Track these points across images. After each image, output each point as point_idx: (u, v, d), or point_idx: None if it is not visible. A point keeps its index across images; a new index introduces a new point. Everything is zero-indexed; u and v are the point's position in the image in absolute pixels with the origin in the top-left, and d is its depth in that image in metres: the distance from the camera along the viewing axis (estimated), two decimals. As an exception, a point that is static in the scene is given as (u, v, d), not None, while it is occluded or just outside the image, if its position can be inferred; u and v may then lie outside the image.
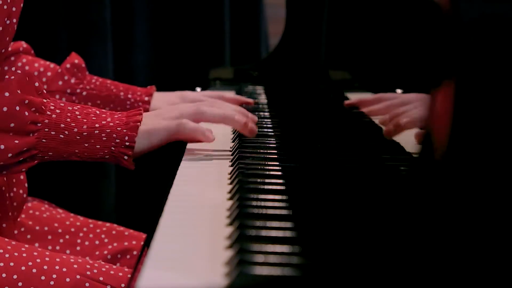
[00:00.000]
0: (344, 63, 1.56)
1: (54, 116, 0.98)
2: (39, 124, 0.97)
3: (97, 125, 0.99)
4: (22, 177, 1.13)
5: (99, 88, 1.35)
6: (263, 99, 1.56)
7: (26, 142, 0.96)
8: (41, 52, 1.47)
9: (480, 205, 0.55)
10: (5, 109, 0.95)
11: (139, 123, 1.01)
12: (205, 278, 0.62)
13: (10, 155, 0.95)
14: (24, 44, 1.34)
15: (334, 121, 1.36)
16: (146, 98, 1.35)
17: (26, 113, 0.96)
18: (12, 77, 0.97)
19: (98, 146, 0.99)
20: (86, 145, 0.99)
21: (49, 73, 1.32)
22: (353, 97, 1.44)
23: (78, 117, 0.99)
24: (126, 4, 2.12)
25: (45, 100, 0.98)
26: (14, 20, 1.05)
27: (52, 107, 0.99)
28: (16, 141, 0.95)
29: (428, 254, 0.56)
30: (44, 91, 1.00)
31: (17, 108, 0.96)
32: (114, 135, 0.99)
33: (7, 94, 0.95)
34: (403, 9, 1.33)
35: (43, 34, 1.97)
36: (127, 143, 1.00)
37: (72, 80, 1.33)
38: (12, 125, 0.95)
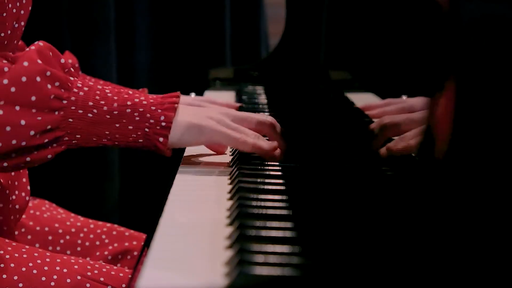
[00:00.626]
0: (344, 63, 1.56)
1: (81, 93, 0.90)
2: (65, 101, 0.88)
3: (129, 103, 0.91)
4: (24, 179, 1.12)
5: None
6: (263, 99, 1.56)
7: (50, 120, 0.87)
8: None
9: (480, 205, 0.55)
10: (23, 79, 0.86)
11: (176, 105, 0.92)
12: (205, 278, 0.62)
13: (32, 132, 0.86)
14: (20, 42, 1.33)
15: (334, 121, 1.36)
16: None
17: (49, 86, 0.87)
18: (32, 47, 0.89)
19: (131, 127, 0.90)
20: (117, 125, 0.90)
21: None
22: (353, 97, 1.44)
23: (109, 94, 0.91)
24: (129, 4, 2.13)
25: (72, 78, 0.91)
26: (22, 23, 1.04)
27: (80, 85, 0.90)
28: (39, 118, 0.86)
29: (428, 254, 0.56)
30: (72, 69, 0.92)
31: (38, 79, 0.87)
32: (148, 115, 0.91)
33: (26, 63, 0.87)
34: (403, 9, 1.33)
35: (47, 33, 1.97)
36: (163, 123, 0.91)
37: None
38: (33, 98, 0.86)
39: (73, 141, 0.90)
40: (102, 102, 0.90)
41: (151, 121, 0.91)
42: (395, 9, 1.37)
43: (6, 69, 0.86)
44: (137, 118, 0.91)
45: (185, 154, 1.07)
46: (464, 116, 0.55)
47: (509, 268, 0.54)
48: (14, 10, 1.01)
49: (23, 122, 0.86)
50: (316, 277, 0.60)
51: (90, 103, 0.90)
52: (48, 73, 0.88)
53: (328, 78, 1.51)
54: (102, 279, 1.02)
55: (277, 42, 1.86)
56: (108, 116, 0.90)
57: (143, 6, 2.14)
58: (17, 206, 1.11)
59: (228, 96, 1.61)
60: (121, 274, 1.05)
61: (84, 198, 2.07)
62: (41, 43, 0.91)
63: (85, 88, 0.91)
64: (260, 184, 0.87)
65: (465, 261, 0.55)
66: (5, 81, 0.85)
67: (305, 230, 0.71)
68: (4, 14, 1.00)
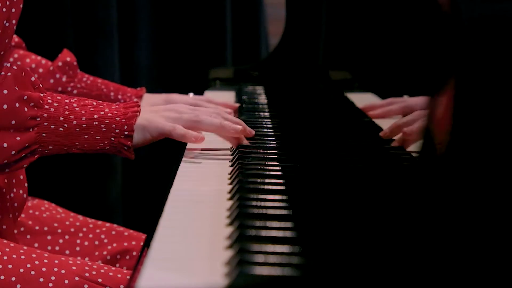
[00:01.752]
0: (344, 63, 1.56)
1: (52, 109, 0.98)
2: (38, 119, 0.97)
3: (95, 116, 0.99)
4: (22, 177, 1.13)
5: (89, 87, 1.35)
6: (263, 99, 1.56)
7: (27, 138, 0.96)
8: (48, 51, 1.47)
9: (480, 204, 0.55)
10: (5, 106, 0.94)
11: (138, 113, 1.02)
12: (205, 278, 0.62)
13: (13, 152, 0.95)
14: (16, 38, 1.34)
15: (334, 121, 1.36)
16: (136, 100, 1.35)
17: (26, 109, 0.96)
18: (9, 73, 0.96)
19: (98, 137, 0.99)
20: (86, 136, 0.99)
21: (40, 70, 1.32)
22: (353, 97, 1.44)
23: (76, 109, 0.99)
24: (131, 4, 2.13)
25: (42, 94, 0.98)
26: (14, 22, 1.04)
27: (50, 101, 0.98)
28: (18, 138, 0.95)
29: (428, 254, 0.56)
30: (40, 85, 0.99)
31: (17, 104, 0.95)
32: (113, 125, 1.00)
33: (5, 91, 0.95)
34: (403, 9, 1.33)
35: (51, 33, 1.98)
36: (126, 133, 1.00)
37: (64, 78, 1.33)
38: (13, 122, 0.95)
39: (46, 151, 0.99)
40: (72, 117, 0.99)
41: (117, 130, 1.00)
42: (395, 9, 1.37)
43: None
44: (104, 129, 1.00)
45: (185, 154, 1.07)
46: (464, 116, 0.55)
47: (509, 268, 0.54)
48: (4, 9, 1.01)
49: (5, 144, 0.95)
50: (316, 277, 0.60)
51: (61, 118, 0.98)
52: (25, 97, 0.96)
53: (328, 78, 1.51)
54: (100, 280, 1.02)
55: (277, 42, 1.86)
56: (77, 129, 0.99)
57: (145, 6, 2.15)
58: (15, 204, 1.11)
59: (228, 96, 1.61)
60: (119, 275, 1.05)
61: (87, 197, 2.07)
62: (14, 66, 0.98)
63: (55, 104, 0.99)
64: (260, 184, 0.87)
65: (465, 260, 0.55)
66: None
67: (305, 230, 0.71)
68: None
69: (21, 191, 1.12)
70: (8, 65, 1.27)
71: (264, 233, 0.70)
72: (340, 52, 1.54)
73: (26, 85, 0.97)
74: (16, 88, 0.96)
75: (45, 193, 1.37)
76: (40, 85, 0.99)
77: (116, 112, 1.01)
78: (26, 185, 1.13)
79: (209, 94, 1.61)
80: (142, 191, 2.18)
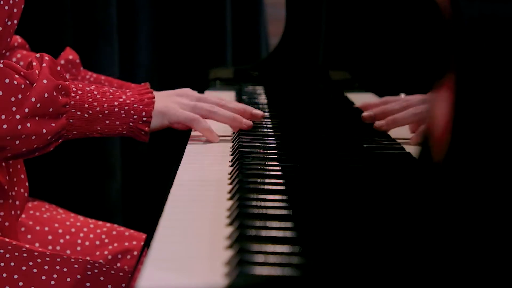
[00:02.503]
0: (344, 63, 1.56)
1: (78, 97, 1.03)
2: (68, 106, 1.02)
3: (116, 103, 1.06)
4: (22, 176, 1.13)
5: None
6: (263, 99, 1.56)
7: (60, 124, 1.01)
8: (48, 51, 1.47)
9: (479, 204, 0.55)
10: (46, 95, 0.99)
11: (153, 99, 1.08)
12: (205, 278, 0.62)
13: (49, 137, 1.00)
14: (19, 39, 1.34)
15: (334, 121, 1.36)
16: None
17: (60, 97, 1.01)
18: (44, 64, 1.00)
19: (118, 123, 1.05)
20: (107, 122, 1.05)
21: None
22: (353, 97, 1.44)
23: (97, 96, 1.05)
24: (131, 4, 2.13)
25: (67, 83, 1.03)
26: (15, 21, 1.05)
27: (75, 89, 1.04)
28: (53, 124, 1.00)
29: (428, 254, 0.56)
30: (64, 74, 1.04)
31: (54, 93, 1.00)
32: (132, 112, 1.06)
33: (45, 81, 0.99)
34: (403, 9, 1.33)
35: (51, 33, 1.98)
36: (144, 119, 1.06)
37: (67, 76, 1.33)
38: (50, 109, 0.99)
39: (69, 136, 1.05)
40: (95, 104, 1.05)
41: (135, 116, 1.07)
42: (395, 9, 1.37)
43: (29, 90, 0.98)
44: (123, 115, 1.06)
45: (186, 154, 1.07)
46: (464, 116, 0.55)
47: (509, 268, 0.54)
48: (6, 7, 1.02)
49: (44, 130, 0.99)
50: (316, 277, 0.60)
51: (86, 105, 1.04)
52: (60, 86, 1.01)
53: (328, 78, 1.51)
54: (102, 278, 1.03)
55: (277, 42, 1.86)
56: (100, 115, 1.05)
57: (145, 6, 2.15)
58: (17, 202, 1.11)
59: (228, 96, 1.61)
60: (121, 274, 1.05)
61: (86, 197, 2.07)
62: (46, 57, 1.02)
63: (79, 92, 1.04)
64: (260, 184, 0.87)
65: (464, 260, 0.55)
66: (33, 99, 0.98)
67: (305, 230, 0.71)
68: None
69: (22, 190, 1.12)
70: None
71: (264, 233, 0.70)
72: (340, 52, 1.54)
73: (57, 74, 1.02)
74: (53, 78, 1.00)
75: (45, 194, 1.37)
76: (64, 74, 1.04)
77: (133, 99, 1.07)
78: (26, 184, 1.13)
79: (209, 94, 1.61)
80: (142, 191, 2.18)
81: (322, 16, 1.52)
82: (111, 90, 1.07)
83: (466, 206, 0.55)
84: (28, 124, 0.98)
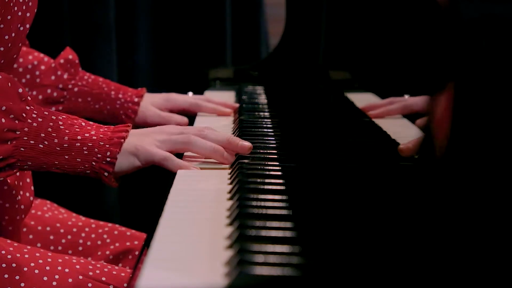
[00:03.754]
0: (344, 63, 1.56)
1: (34, 124, 0.95)
2: (18, 132, 0.94)
3: (79, 137, 0.96)
4: (28, 180, 1.13)
5: (90, 85, 1.35)
6: (263, 99, 1.56)
7: (4, 150, 0.94)
8: (46, 51, 1.47)
9: (479, 205, 0.55)
10: None
11: (123, 140, 0.98)
12: (205, 278, 0.62)
13: None
14: None
15: (334, 121, 1.36)
16: (136, 99, 1.36)
17: (3, 120, 0.93)
18: None
19: (79, 160, 0.96)
20: (67, 157, 0.96)
21: (42, 67, 1.32)
22: (353, 97, 1.44)
23: (61, 127, 0.97)
24: (129, 4, 2.13)
25: (27, 108, 0.96)
26: (28, 26, 1.05)
27: (34, 115, 0.96)
28: None
29: (428, 254, 0.56)
30: (29, 98, 0.97)
31: None
32: (96, 150, 0.96)
33: None
34: (403, 9, 1.33)
35: (48, 33, 1.98)
36: (108, 159, 0.96)
37: (65, 76, 1.33)
38: None
39: (25, 166, 0.97)
40: (54, 135, 0.96)
41: (99, 155, 0.96)
42: (395, 9, 1.37)
43: None
44: (86, 152, 0.96)
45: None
46: (464, 116, 0.55)
47: (509, 268, 0.54)
48: (20, 13, 1.01)
49: None
50: (316, 277, 0.60)
51: (42, 135, 0.95)
52: (3, 108, 0.93)
53: (328, 78, 1.51)
54: (103, 278, 1.03)
55: (277, 42, 1.86)
56: (58, 148, 0.96)
57: (144, 6, 2.14)
58: (22, 206, 1.11)
59: (228, 96, 1.61)
60: (122, 274, 1.05)
61: (84, 197, 2.07)
62: (0, 76, 0.95)
63: (39, 119, 0.96)
64: (260, 184, 0.87)
65: (464, 261, 0.55)
66: None
67: (305, 230, 0.71)
68: (9, 17, 1.00)
69: (27, 194, 1.12)
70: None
71: (264, 233, 0.70)
72: (340, 52, 1.54)
73: (10, 96, 0.95)
74: None
75: (44, 194, 1.37)
76: (29, 97, 0.97)
77: (102, 136, 0.97)
78: (32, 188, 1.13)
79: (209, 94, 1.61)
80: (140, 192, 2.18)
81: (322, 16, 1.52)
82: (82, 123, 0.98)
83: (466, 206, 0.55)
84: None
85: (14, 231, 1.09)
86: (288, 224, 0.72)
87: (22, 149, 0.95)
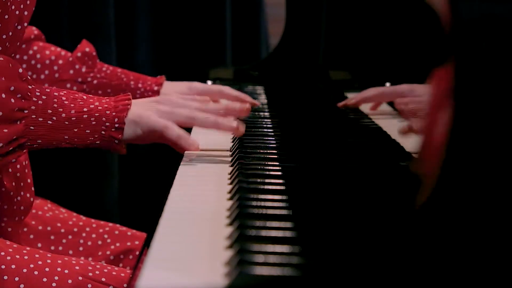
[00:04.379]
0: (344, 63, 1.56)
1: (40, 102, 0.96)
2: (26, 111, 0.95)
3: (85, 109, 0.97)
4: (29, 180, 1.13)
5: (109, 77, 1.35)
6: (263, 99, 1.56)
7: (15, 130, 0.94)
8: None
9: (479, 205, 0.55)
10: None
11: (129, 106, 0.99)
12: (205, 278, 0.62)
13: (0, 144, 0.92)
14: (35, 31, 1.34)
15: (334, 121, 1.36)
16: (156, 88, 1.35)
17: (13, 100, 0.93)
18: None
19: (88, 131, 0.97)
20: (76, 130, 0.97)
21: (60, 61, 1.32)
22: (353, 97, 1.44)
23: (65, 102, 0.97)
24: (129, 4, 2.13)
25: (30, 87, 0.96)
26: (25, 24, 1.05)
27: (38, 93, 0.96)
28: (5, 130, 0.93)
29: (428, 255, 0.56)
30: (28, 77, 0.97)
31: (3, 95, 0.93)
32: (104, 119, 0.98)
33: None
34: (403, 10, 1.33)
35: (47, 32, 1.97)
36: (116, 125, 0.98)
37: (83, 69, 1.33)
38: (0, 113, 0.92)
39: (34, 145, 0.97)
40: (60, 110, 0.96)
41: (107, 124, 0.98)
42: (394, 10, 1.37)
43: None
44: (94, 123, 0.97)
45: (185, 154, 1.07)
46: (464, 116, 0.55)
47: (508, 269, 0.54)
48: (17, 12, 1.01)
49: None
50: (316, 277, 0.60)
51: (49, 111, 0.96)
52: (12, 88, 0.93)
53: (328, 78, 1.51)
54: (103, 279, 1.02)
55: (277, 42, 1.86)
56: (66, 122, 0.96)
57: (144, 6, 2.14)
58: (22, 207, 1.11)
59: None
60: (122, 274, 1.05)
61: (84, 197, 2.07)
62: (1, 57, 0.95)
63: (43, 97, 0.96)
64: (260, 184, 0.87)
65: (464, 262, 0.55)
66: None
67: (305, 230, 0.71)
68: (6, 17, 1.00)
69: (28, 195, 1.12)
70: (25, 57, 1.27)
71: (264, 233, 0.70)
72: (340, 52, 1.54)
73: (13, 77, 0.95)
74: (3, 79, 0.93)
75: (43, 194, 1.37)
76: (28, 77, 0.97)
77: (106, 105, 0.99)
78: (32, 188, 1.13)
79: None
80: (140, 191, 2.18)
81: (322, 16, 1.52)
82: (84, 97, 0.99)
83: (466, 206, 0.55)
84: None
85: (13, 232, 1.09)
86: (288, 224, 0.72)
87: (32, 127, 0.95)
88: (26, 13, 1.04)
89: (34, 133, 0.95)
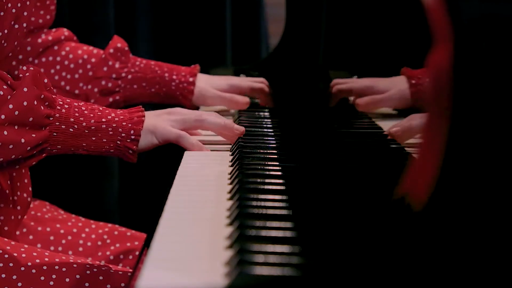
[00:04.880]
0: (344, 63, 1.56)
1: (63, 110, 1.01)
2: (51, 118, 1.00)
3: (103, 120, 1.03)
4: (26, 180, 1.13)
5: (143, 71, 1.35)
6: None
7: (41, 136, 0.98)
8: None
9: (479, 206, 0.55)
10: (25, 103, 0.97)
11: (143, 118, 1.05)
12: (205, 278, 0.62)
13: (28, 148, 0.97)
14: (66, 32, 1.35)
15: (334, 121, 1.36)
16: (191, 79, 1.36)
17: (42, 107, 0.98)
18: (27, 74, 0.99)
19: (105, 140, 1.03)
20: (94, 138, 1.02)
21: (93, 59, 1.32)
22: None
23: (85, 112, 1.02)
24: (129, 3, 2.13)
25: (53, 96, 1.01)
26: (24, 25, 1.05)
27: (61, 102, 1.01)
28: (33, 135, 0.97)
29: (427, 255, 0.56)
30: (51, 87, 1.02)
31: (35, 102, 0.98)
32: (120, 129, 1.03)
33: (25, 89, 0.97)
34: (403, 9, 1.33)
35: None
36: (132, 137, 1.04)
37: (117, 65, 1.33)
38: (30, 119, 0.97)
39: (53, 150, 1.02)
40: (81, 119, 1.02)
41: (123, 134, 1.04)
42: (395, 10, 1.37)
43: (9, 97, 0.97)
44: (111, 133, 1.03)
45: (185, 154, 1.07)
46: (464, 116, 0.55)
47: (508, 269, 0.54)
48: (14, 10, 1.01)
49: (23, 140, 0.97)
50: (316, 277, 0.60)
51: (71, 119, 1.01)
52: (42, 96, 0.99)
53: (328, 78, 1.51)
54: (101, 278, 1.03)
55: (277, 42, 1.86)
56: (86, 131, 1.02)
57: (144, 6, 2.14)
58: (18, 207, 1.11)
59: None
60: (120, 273, 1.05)
61: (84, 198, 2.07)
62: (31, 67, 1.00)
63: (66, 106, 1.02)
64: (260, 184, 0.87)
65: (463, 262, 0.55)
66: (11, 106, 0.96)
67: (305, 230, 0.71)
68: (2, 13, 1.00)
69: (25, 195, 1.12)
70: (58, 59, 1.29)
71: (264, 233, 0.70)
72: (340, 52, 1.54)
73: (41, 85, 1.00)
74: (35, 88, 0.98)
75: (42, 195, 1.37)
76: (51, 87, 1.02)
77: (122, 117, 1.04)
78: (30, 189, 1.13)
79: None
80: (140, 192, 2.18)
81: (322, 16, 1.52)
82: (100, 108, 1.05)
83: (466, 207, 0.55)
84: (5, 132, 0.96)
85: (10, 231, 1.09)
86: (288, 224, 0.72)
87: (55, 133, 1.00)
88: (25, 13, 1.04)
89: (55, 139, 1.00)
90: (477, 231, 0.55)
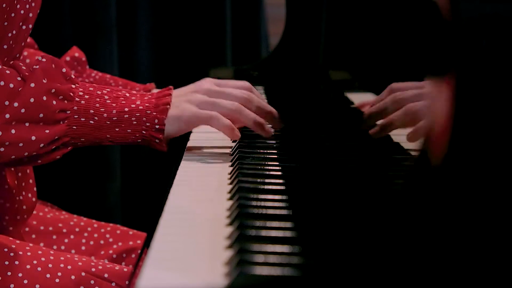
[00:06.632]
0: (344, 63, 1.56)
1: (83, 102, 0.97)
2: (68, 112, 0.96)
3: (126, 109, 0.99)
4: (31, 181, 1.13)
5: (98, 83, 1.35)
6: (263, 99, 1.56)
7: (57, 131, 0.95)
8: (46, 50, 1.47)
9: (478, 206, 0.55)
10: (32, 100, 0.93)
11: (168, 106, 1.00)
12: (205, 278, 0.62)
13: (42, 145, 0.94)
14: (28, 39, 1.34)
15: (334, 121, 1.36)
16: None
17: (54, 102, 0.95)
18: (36, 66, 0.95)
19: (129, 130, 0.99)
20: (117, 129, 0.98)
21: None
22: (353, 97, 1.44)
23: (107, 101, 0.99)
24: (130, 4, 2.13)
25: (73, 86, 0.98)
26: (30, 26, 1.05)
27: (81, 93, 0.98)
28: (47, 131, 0.94)
29: (428, 255, 0.56)
30: (72, 76, 0.99)
31: (44, 98, 0.94)
32: (144, 119, 0.99)
33: (32, 85, 0.94)
34: (403, 9, 1.33)
35: (50, 33, 1.98)
36: (157, 126, 0.99)
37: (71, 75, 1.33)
38: (41, 115, 0.94)
39: (78, 143, 0.98)
40: (102, 110, 0.98)
41: (147, 124, 0.99)
42: (394, 9, 1.37)
43: (20, 89, 0.94)
44: (135, 123, 0.99)
45: (185, 154, 1.07)
46: (464, 117, 0.55)
47: (508, 269, 0.54)
48: (22, 12, 1.02)
49: (33, 137, 0.94)
50: (316, 277, 0.60)
51: (91, 111, 0.98)
52: (53, 90, 0.95)
53: (328, 78, 1.51)
54: (106, 275, 1.03)
55: (277, 42, 1.86)
56: (108, 122, 0.98)
57: (144, 5, 2.15)
58: (24, 207, 1.11)
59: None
60: (125, 270, 1.05)
61: (86, 198, 2.07)
62: (44, 58, 0.97)
63: (86, 96, 0.98)
64: (260, 184, 0.87)
65: (463, 262, 0.55)
66: (16, 104, 0.93)
67: (305, 230, 0.71)
68: (13, 15, 1.00)
69: (30, 195, 1.12)
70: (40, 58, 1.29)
71: (264, 233, 0.70)
72: (340, 52, 1.54)
73: (55, 78, 0.97)
74: (44, 81, 0.95)
75: (43, 195, 1.37)
76: (73, 76, 0.99)
77: (147, 104, 0.99)
78: (35, 189, 1.13)
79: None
80: (141, 192, 2.18)
81: (322, 16, 1.52)
82: (127, 94, 1.00)
83: (466, 207, 0.55)
84: (13, 131, 0.93)
85: (15, 231, 1.10)
86: (288, 224, 0.72)
87: (74, 127, 0.97)
88: (31, 15, 1.04)
89: (76, 133, 0.97)
90: (478, 233, 0.55)
